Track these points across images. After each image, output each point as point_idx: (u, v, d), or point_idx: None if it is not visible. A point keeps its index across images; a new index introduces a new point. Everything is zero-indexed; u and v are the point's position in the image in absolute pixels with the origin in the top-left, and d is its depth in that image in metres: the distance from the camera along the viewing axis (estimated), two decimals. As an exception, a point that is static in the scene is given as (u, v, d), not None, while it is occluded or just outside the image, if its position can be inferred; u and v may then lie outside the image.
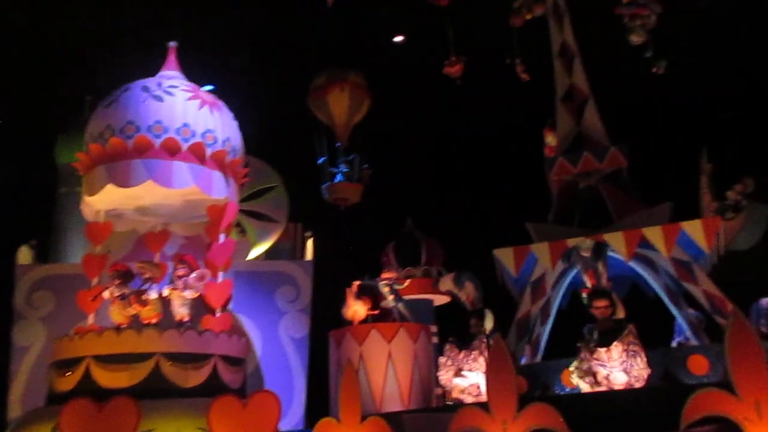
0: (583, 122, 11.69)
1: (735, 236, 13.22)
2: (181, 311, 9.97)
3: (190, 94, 10.72)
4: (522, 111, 16.96)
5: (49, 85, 17.55)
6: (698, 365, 8.66)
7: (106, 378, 8.86)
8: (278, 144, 17.59)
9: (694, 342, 10.85)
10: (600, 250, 7.64)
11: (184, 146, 10.23)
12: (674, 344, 11.95)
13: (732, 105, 15.69)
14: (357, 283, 13.61)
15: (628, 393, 7.02)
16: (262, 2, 18.25)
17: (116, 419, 7.60)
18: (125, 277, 10.30)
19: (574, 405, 6.78)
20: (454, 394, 7.97)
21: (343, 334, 11.51)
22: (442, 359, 8.29)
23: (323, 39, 19.52)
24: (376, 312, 12.68)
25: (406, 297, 12.79)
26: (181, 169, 10.19)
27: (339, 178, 18.25)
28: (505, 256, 10.69)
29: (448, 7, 13.92)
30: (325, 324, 14.89)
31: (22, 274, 12.78)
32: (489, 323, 8.52)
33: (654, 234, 9.86)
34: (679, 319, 11.35)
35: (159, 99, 10.41)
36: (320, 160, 18.51)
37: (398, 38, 21.21)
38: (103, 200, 10.83)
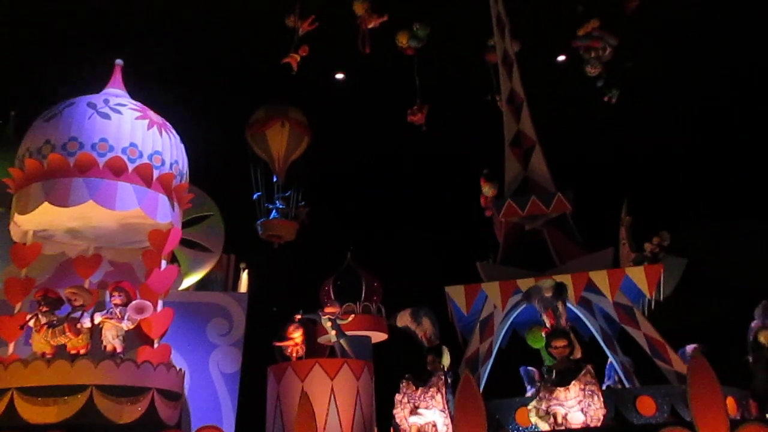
0: (529, 167, 12.06)
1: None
2: (114, 342, 9.31)
3: (138, 113, 10.29)
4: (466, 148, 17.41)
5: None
6: (647, 406, 8.90)
7: (33, 413, 8.11)
8: (215, 173, 17.13)
9: (627, 385, 11.18)
10: (561, 290, 7.79)
11: (130, 167, 9.76)
12: (603, 387, 12.29)
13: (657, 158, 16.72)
14: (298, 316, 13.34)
15: (587, 432, 7.13)
16: (206, 33, 18.03)
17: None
18: (54, 303, 9.57)
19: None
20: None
21: (283, 369, 11.12)
22: (398, 396, 8.12)
23: (265, 71, 19.38)
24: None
25: (353, 333, 12.63)
26: (125, 190, 9.69)
27: (274, 214, 17.93)
28: (456, 293, 10.75)
29: (415, 55, 14.26)
30: (255, 359, 14.44)
31: None
32: (446, 360, 8.46)
33: (600, 278, 10.24)
34: (614, 362, 11.68)
35: (106, 116, 9.93)
36: (255, 195, 18.15)
37: (339, 75, 21.32)
38: (33, 220, 10.13)
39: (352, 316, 12.06)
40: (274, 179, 18.38)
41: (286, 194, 18.10)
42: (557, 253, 11.11)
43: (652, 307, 10.95)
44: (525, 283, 10.06)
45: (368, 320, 14.16)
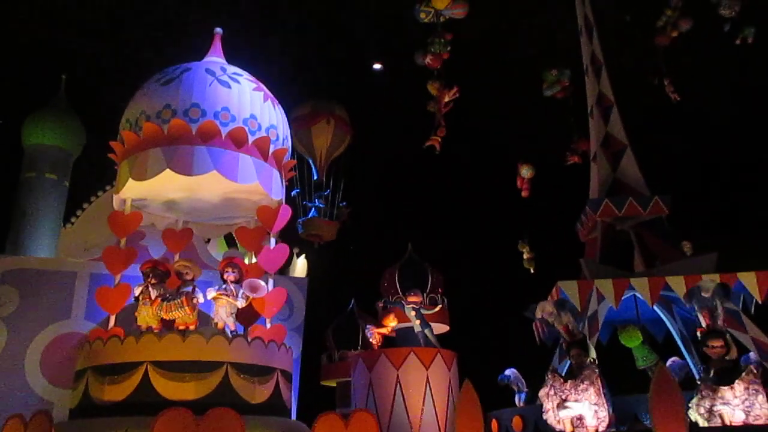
0: (619, 169, 12.17)
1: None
2: (227, 319, 8.92)
3: (254, 85, 9.92)
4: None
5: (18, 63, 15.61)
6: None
7: (169, 388, 7.67)
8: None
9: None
10: (722, 291, 7.82)
11: (251, 139, 9.37)
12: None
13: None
14: (380, 304, 13.16)
15: (750, 430, 7.18)
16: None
17: (217, 434, 6.58)
18: (162, 276, 9.12)
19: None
20: (563, 425, 7.71)
21: (376, 357, 10.92)
22: (544, 390, 8.02)
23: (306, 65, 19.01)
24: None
25: (404, 325, 12.49)
26: (246, 162, 9.29)
27: (313, 213, 17.53)
28: (569, 288, 10.75)
29: (441, 70, 14.21)
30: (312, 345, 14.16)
31: (-18, 264, 10.92)
32: (593, 353, 8.42)
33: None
34: (690, 364, 11.89)
35: (226, 85, 9.51)
36: (294, 192, 17.72)
37: (377, 66, 21.10)
38: (134, 188, 9.64)
39: (439, 306, 11.90)
40: (314, 177, 17.93)
41: (326, 193, 17.70)
42: (652, 255, 11.24)
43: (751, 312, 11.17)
44: (638, 282, 10.14)
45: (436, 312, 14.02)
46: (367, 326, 12.12)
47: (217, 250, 13.92)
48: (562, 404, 7.80)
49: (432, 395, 10.60)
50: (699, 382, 7.61)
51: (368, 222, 18.33)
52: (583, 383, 7.75)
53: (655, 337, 12.02)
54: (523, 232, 16.78)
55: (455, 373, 11.16)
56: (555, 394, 7.89)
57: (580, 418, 7.70)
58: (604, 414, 7.68)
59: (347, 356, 15.07)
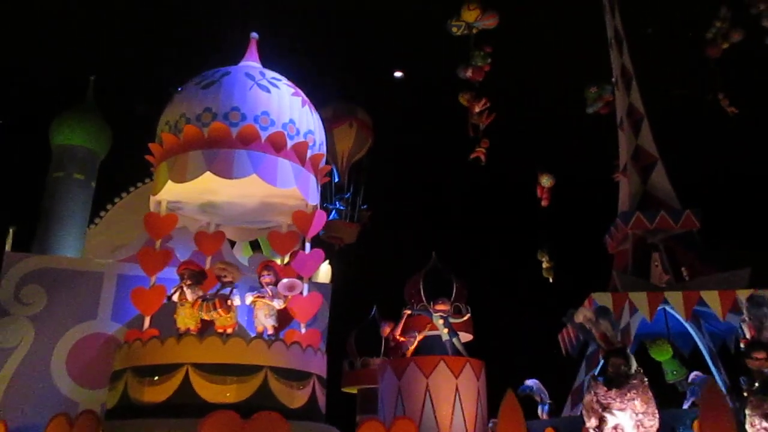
0: (649, 183, 12.18)
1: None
2: (267, 322, 8.94)
3: (293, 90, 9.97)
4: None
5: (46, 63, 15.65)
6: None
7: (210, 391, 7.67)
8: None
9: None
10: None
11: (289, 143, 9.40)
12: (686, 406, 12.45)
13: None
14: (407, 311, 13.13)
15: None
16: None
17: (263, 438, 6.57)
18: (198, 277, 9.14)
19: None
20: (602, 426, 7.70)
21: (405, 364, 10.89)
22: (587, 396, 8.01)
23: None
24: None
25: (431, 333, 12.46)
26: (285, 167, 9.32)
27: (333, 215, 17.56)
28: (604, 300, 10.73)
29: (481, 83, 14.32)
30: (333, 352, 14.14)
31: (11, 263, 10.90)
32: (634, 363, 8.40)
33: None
34: (717, 379, 11.84)
35: (265, 89, 9.56)
36: None
37: (398, 74, 21.16)
38: (170, 190, 9.66)
39: (467, 315, 11.87)
40: (335, 179, 17.95)
41: (346, 195, 17.73)
42: (679, 269, 11.23)
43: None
44: (672, 296, 10.13)
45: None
46: (414, 332, 12.07)
47: (242, 254, 13.92)
48: (605, 411, 7.78)
49: (461, 404, 10.57)
50: (746, 395, 7.59)
51: (389, 227, 18.33)
52: (629, 392, 7.73)
53: (682, 351, 11.98)
54: (542, 241, 16.78)
55: (483, 382, 11.13)
56: (597, 401, 7.86)
57: (618, 427, 7.67)
58: (651, 423, 7.65)
59: (369, 363, 15.06)
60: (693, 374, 12.21)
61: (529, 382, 13.13)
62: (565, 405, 11.57)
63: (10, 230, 12.61)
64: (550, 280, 17.17)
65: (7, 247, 11.55)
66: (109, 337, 10.85)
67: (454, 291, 13.88)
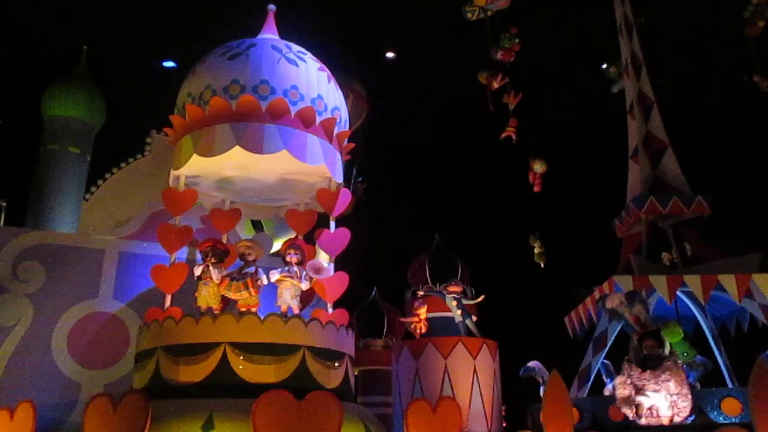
0: (659, 168, 12.31)
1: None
2: (291, 302, 8.74)
3: (318, 65, 9.68)
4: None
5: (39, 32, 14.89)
6: (732, 407, 8.93)
7: (249, 370, 7.46)
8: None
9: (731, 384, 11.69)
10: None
11: (318, 119, 9.15)
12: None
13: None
14: (420, 293, 13.01)
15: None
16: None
17: (317, 418, 6.42)
18: (221, 255, 8.88)
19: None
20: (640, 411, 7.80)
21: (423, 345, 10.86)
22: (620, 378, 8.09)
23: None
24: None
25: (435, 314, 12.43)
26: (314, 143, 9.06)
27: None
28: (624, 283, 10.82)
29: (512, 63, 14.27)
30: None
31: (7, 238, 10.41)
32: (668, 346, 8.50)
33: (763, 281, 10.57)
34: (720, 361, 12.16)
35: (293, 63, 9.25)
36: None
37: (390, 54, 20.99)
38: (189, 165, 9.31)
39: (482, 297, 11.86)
40: None
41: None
42: (699, 254, 11.41)
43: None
44: (690, 279, 10.29)
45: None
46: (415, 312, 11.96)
47: (245, 232, 13.62)
48: (639, 392, 7.88)
49: (479, 385, 10.61)
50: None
51: (386, 206, 18.19)
52: (664, 374, 7.84)
53: (687, 333, 12.23)
54: (534, 226, 16.85)
55: (498, 363, 11.20)
56: (632, 383, 7.96)
57: (653, 408, 7.79)
58: (685, 404, 7.79)
59: (371, 345, 14.95)
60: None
61: (530, 364, 13.22)
62: (571, 387, 11.68)
63: (2, 204, 12.05)
64: (542, 265, 17.30)
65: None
66: (111, 316, 10.49)
67: (459, 273, 13.82)
